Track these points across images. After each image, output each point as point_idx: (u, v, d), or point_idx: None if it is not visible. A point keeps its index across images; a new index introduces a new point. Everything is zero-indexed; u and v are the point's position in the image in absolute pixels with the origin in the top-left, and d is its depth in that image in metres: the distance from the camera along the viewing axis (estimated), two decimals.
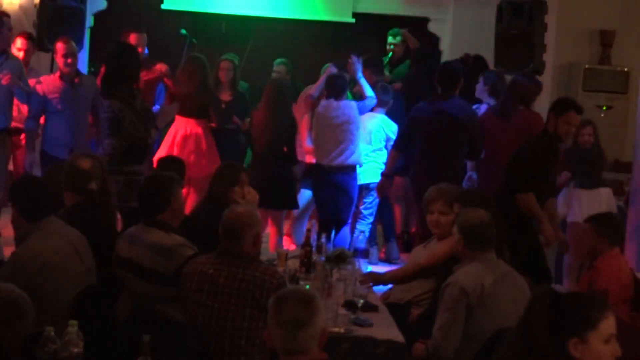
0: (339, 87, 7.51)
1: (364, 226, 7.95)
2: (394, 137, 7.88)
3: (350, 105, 7.56)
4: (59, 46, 7.24)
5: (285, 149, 7.43)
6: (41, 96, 7.20)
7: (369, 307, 4.57)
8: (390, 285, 5.48)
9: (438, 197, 5.26)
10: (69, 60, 7.21)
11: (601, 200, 7.35)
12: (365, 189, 7.94)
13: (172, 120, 7.71)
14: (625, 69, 10.01)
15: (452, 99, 7.16)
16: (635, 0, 9.83)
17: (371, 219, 8.02)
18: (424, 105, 7.29)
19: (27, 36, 7.96)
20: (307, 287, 4.49)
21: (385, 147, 7.96)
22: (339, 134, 7.46)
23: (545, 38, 8.43)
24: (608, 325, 2.73)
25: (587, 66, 9.98)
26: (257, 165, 7.47)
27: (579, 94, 9.96)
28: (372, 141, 7.90)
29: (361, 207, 7.98)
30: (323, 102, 7.58)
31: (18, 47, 7.82)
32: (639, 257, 7.29)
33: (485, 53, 8.95)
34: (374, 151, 7.94)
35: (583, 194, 7.35)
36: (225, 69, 8.25)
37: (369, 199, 7.97)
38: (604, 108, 9.73)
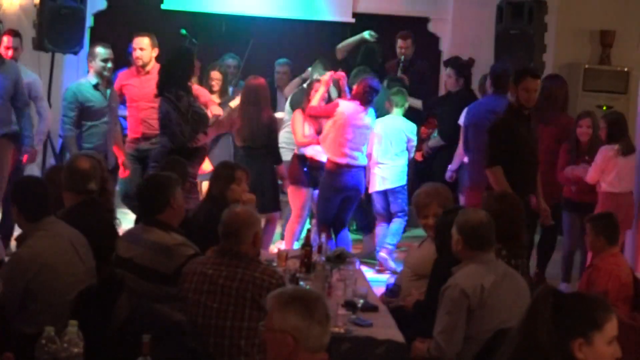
0: (372, 98, 7.58)
1: (398, 225, 8.04)
2: (414, 137, 8.00)
3: (373, 113, 7.70)
4: (100, 50, 7.20)
5: (263, 149, 7.41)
6: (79, 103, 7.12)
7: (369, 307, 4.57)
8: (390, 285, 5.48)
9: (431, 201, 5.25)
10: (110, 67, 7.22)
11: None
12: (391, 193, 8.01)
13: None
14: (625, 69, 10.02)
15: (504, 99, 7.13)
16: (635, 0, 9.84)
17: (405, 218, 8.11)
18: (475, 105, 7.31)
19: (14, 33, 7.64)
20: (307, 287, 4.49)
21: (407, 148, 8.04)
22: (359, 137, 7.55)
23: (545, 38, 8.44)
24: (612, 326, 2.72)
25: (587, 66, 9.99)
26: None
27: (579, 94, 9.97)
28: (393, 144, 7.95)
29: (392, 209, 8.05)
30: (349, 103, 7.59)
31: (5, 45, 7.49)
32: (638, 257, 7.30)
33: (485, 53, 8.95)
34: (396, 154, 7.98)
35: (621, 160, 7.12)
36: (215, 79, 8.33)
37: (399, 200, 8.03)
38: (604, 108, 9.74)
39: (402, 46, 9.13)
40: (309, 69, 8.46)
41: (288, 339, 2.82)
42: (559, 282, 7.39)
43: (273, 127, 7.51)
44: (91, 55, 7.30)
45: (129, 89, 7.68)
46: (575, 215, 7.34)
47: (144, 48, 7.59)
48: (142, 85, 7.54)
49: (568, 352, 2.66)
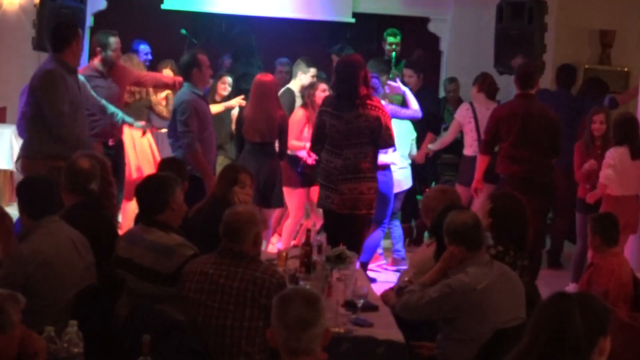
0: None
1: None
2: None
3: None
4: (203, 59, 6.81)
5: (272, 146, 7.39)
6: (199, 118, 6.68)
7: (369, 307, 4.57)
8: (392, 285, 5.48)
9: (437, 203, 5.22)
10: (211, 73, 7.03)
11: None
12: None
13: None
14: (625, 69, 10.03)
15: (533, 98, 7.13)
16: (635, 0, 9.84)
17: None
18: (509, 105, 7.24)
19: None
20: (307, 287, 4.49)
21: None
22: None
23: (545, 38, 8.44)
24: None
25: (587, 66, 9.98)
26: (246, 162, 7.37)
27: None
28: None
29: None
30: None
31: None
32: (638, 256, 7.29)
33: (485, 53, 8.95)
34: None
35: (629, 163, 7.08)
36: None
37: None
38: None
39: (392, 43, 9.12)
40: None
41: (269, 334, 2.93)
42: (568, 281, 7.39)
43: (284, 124, 7.48)
44: (197, 67, 6.76)
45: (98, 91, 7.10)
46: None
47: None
48: (108, 86, 7.26)
49: (595, 352, 2.65)
